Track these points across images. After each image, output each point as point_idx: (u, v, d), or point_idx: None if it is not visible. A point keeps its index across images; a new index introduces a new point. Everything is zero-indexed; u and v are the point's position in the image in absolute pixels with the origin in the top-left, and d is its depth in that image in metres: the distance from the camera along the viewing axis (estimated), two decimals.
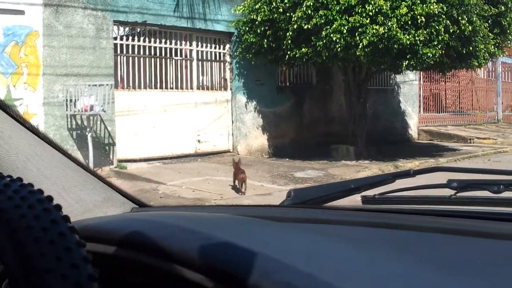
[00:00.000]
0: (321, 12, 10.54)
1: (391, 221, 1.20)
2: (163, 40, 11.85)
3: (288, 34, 11.09)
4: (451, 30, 10.81)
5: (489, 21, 12.29)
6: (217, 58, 12.99)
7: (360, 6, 10.44)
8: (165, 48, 11.95)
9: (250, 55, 12.20)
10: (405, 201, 1.48)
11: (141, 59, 11.51)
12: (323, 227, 1.19)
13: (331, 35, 10.42)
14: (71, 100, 9.87)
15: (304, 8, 10.70)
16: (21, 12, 9.68)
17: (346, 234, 1.11)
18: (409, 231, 1.12)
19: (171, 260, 0.95)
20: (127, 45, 11.33)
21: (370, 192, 1.50)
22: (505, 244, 1.02)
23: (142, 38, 11.51)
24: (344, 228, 1.18)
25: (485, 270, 0.87)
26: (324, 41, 10.59)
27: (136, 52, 11.43)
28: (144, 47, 11.54)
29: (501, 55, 15.09)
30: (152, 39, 11.64)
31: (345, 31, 10.35)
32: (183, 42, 12.29)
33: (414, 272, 0.84)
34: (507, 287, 0.79)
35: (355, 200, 1.56)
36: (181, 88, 12.25)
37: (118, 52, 11.11)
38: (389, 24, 10.26)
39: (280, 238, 1.05)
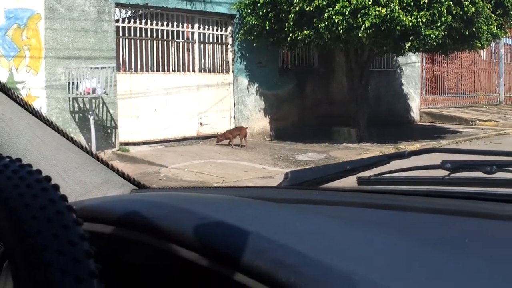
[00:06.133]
0: None
1: (386, 202, 1.22)
2: (165, 23, 11.79)
3: (290, 16, 11.03)
4: (453, 12, 10.74)
5: (492, 2, 12.20)
6: (219, 41, 12.93)
7: None
8: (167, 31, 11.90)
9: (252, 37, 12.15)
10: (399, 182, 1.50)
11: (143, 41, 11.48)
12: (318, 207, 1.21)
13: (333, 17, 10.36)
14: (73, 83, 9.85)
15: None
16: None
17: (341, 214, 1.12)
18: (403, 212, 1.13)
19: (167, 239, 0.97)
20: (129, 28, 11.28)
21: (365, 174, 1.52)
22: (497, 223, 1.03)
23: (144, 21, 11.45)
24: (339, 209, 1.19)
25: (475, 248, 0.88)
26: (326, 23, 10.53)
27: (138, 34, 11.39)
28: (146, 29, 11.50)
29: (504, 36, 15.03)
30: (154, 22, 11.59)
31: (347, 12, 10.29)
32: (185, 25, 12.23)
33: (405, 249, 0.86)
34: (497, 265, 0.80)
35: (351, 181, 1.57)
36: (183, 70, 12.21)
37: (120, 34, 11.07)
38: (392, 5, 10.19)
39: (274, 218, 1.06)
